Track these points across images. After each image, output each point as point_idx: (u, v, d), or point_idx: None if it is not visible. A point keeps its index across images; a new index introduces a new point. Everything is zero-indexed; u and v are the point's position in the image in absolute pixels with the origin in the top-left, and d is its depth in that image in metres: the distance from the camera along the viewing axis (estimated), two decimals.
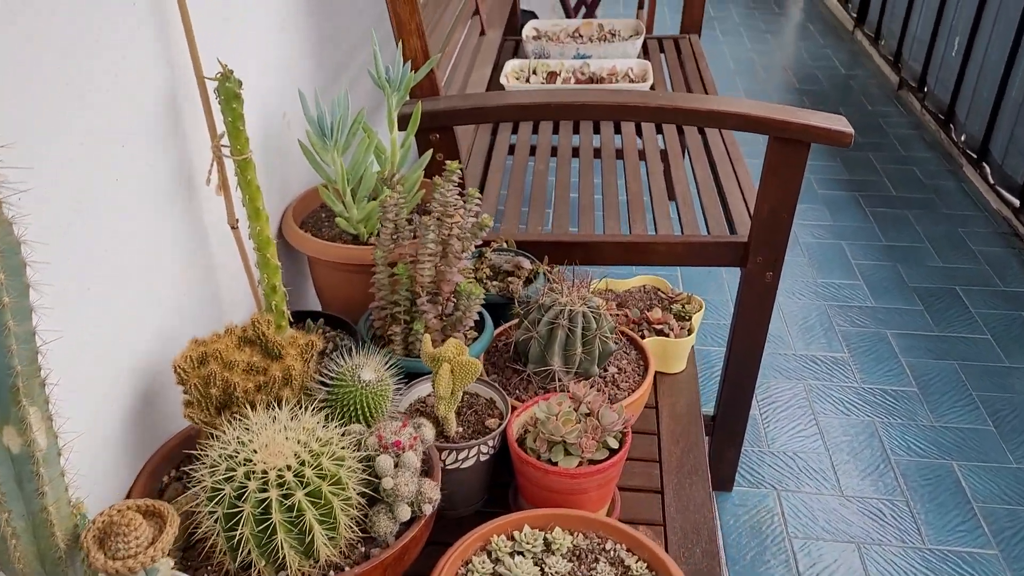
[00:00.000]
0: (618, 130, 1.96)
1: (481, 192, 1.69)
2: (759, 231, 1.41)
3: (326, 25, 1.44)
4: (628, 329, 1.28)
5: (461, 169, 1.13)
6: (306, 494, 0.76)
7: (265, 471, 0.76)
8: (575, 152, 1.93)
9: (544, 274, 1.32)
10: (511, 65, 2.05)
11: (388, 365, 0.95)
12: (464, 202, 1.11)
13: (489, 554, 0.89)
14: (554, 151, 1.92)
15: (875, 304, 2.31)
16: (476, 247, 1.14)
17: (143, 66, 0.86)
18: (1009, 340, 2.15)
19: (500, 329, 1.23)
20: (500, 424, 1.03)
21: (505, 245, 1.42)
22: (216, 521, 0.76)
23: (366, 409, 0.91)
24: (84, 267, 0.78)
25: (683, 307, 1.36)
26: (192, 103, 0.95)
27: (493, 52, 2.03)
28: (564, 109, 1.34)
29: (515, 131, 1.94)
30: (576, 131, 1.96)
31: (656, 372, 1.31)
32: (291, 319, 1.06)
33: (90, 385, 0.81)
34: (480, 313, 1.17)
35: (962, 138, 3.07)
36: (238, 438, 0.79)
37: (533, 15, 3.81)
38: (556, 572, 0.87)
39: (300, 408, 0.85)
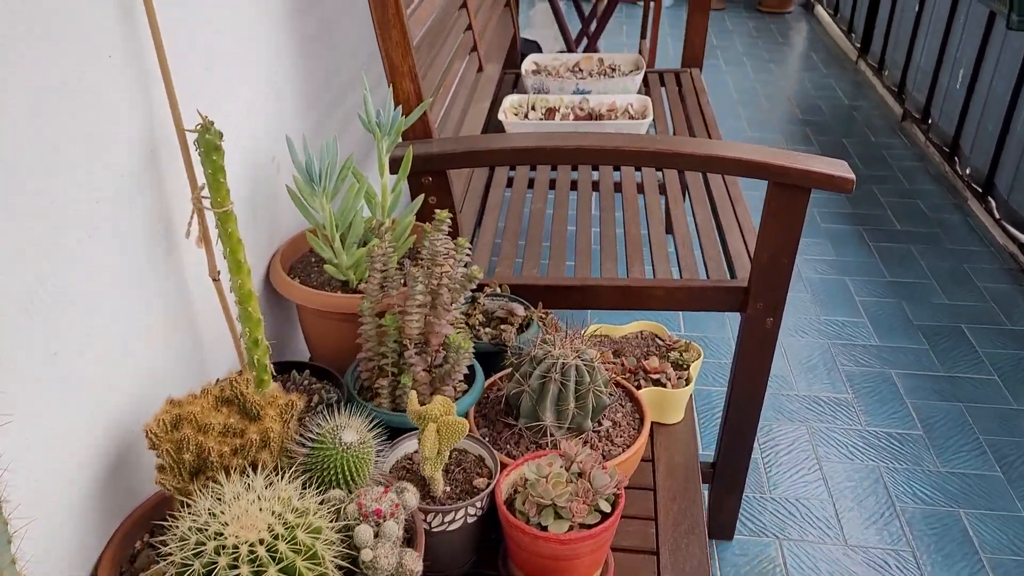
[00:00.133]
0: (617, 167, 1.94)
1: (476, 231, 1.66)
2: (759, 277, 1.38)
3: (318, 67, 1.42)
4: (624, 379, 1.24)
5: (452, 217, 1.10)
6: (279, 570, 0.73)
7: (236, 545, 0.72)
8: (573, 185, 1.91)
9: (538, 321, 1.29)
10: (509, 100, 2.03)
11: (372, 424, 0.92)
12: (455, 251, 1.08)
13: None
14: (552, 184, 1.90)
15: (879, 343, 2.27)
16: (471, 292, 1.11)
17: (119, 118, 0.84)
18: (1016, 381, 2.11)
19: (491, 380, 1.19)
20: (489, 484, 0.99)
21: (499, 290, 1.39)
22: None
23: (347, 473, 0.88)
24: (51, 333, 0.75)
25: (681, 355, 1.32)
26: (172, 154, 0.92)
27: (491, 87, 2.01)
28: (558, 153, 1.31)
29: (513, 166, 1.92)
30: (574, 167, 1.94)
31: (653, 422, 1.27)
32: (274, 373, 1.03)
33: (56, 455, 0.78)
34: (470, 364, 1.13)
35: (967, 171, 3.04)
36: (209, 509, 0.75)
37: (536, 45, 3.81)
38: None
39: (278, 473, 0.81)
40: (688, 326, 2.35)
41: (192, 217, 0.93)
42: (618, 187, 1.89)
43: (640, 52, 3.71)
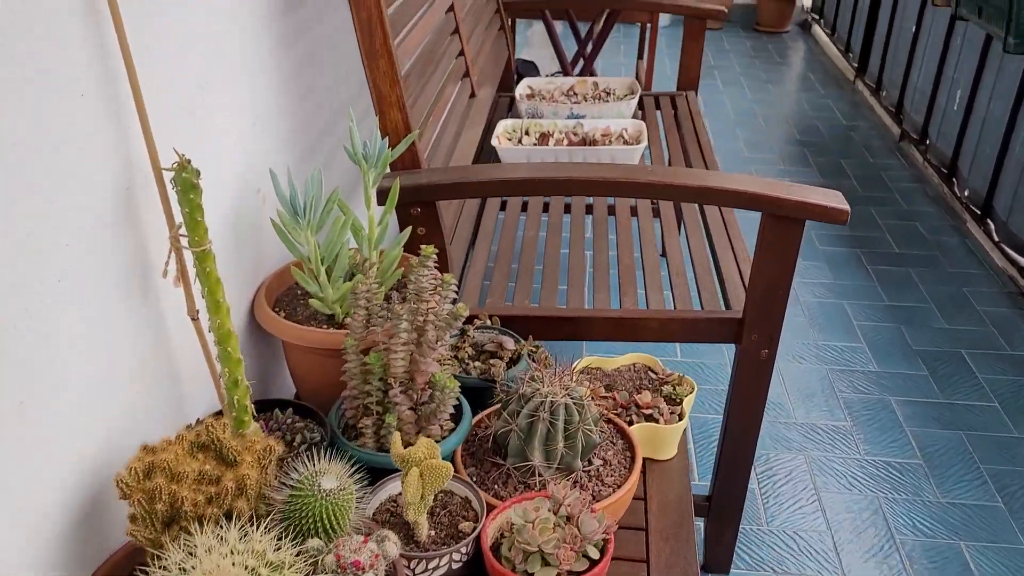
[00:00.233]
0: None
1: (470, 252, 1.64)
2: (753, 309, 1.35)
3: (305, 98, 1.40)
4: (615, 415, 1.22)
5: (440, 250, 1.08)
6: None
7: None
8: (567, 208, 1.89)
9: (527, 356, 1.26)
10: (503, 126, 2.01)
11: (354, 467, 0.89)
12: (441, 287, 1.06)
13: None
14: (546, 207, 1.88)
15: (878, 368, 2.24)
16: (460, 325, 1.09)
17: (93, 157, 0.82)
18: (1016, 409, 2.08)
19: (479, 417, 1.17)
20: (474, 529, 0.96)
21: (489, 322, 1.36)
22: None
23: (326, 521, 0.85)
24: (16, 383, 0.73)
25: (674, 388, 1.30)
26: (150, 193, 0.90)
27: (484, 112, 2.00)
28: (549, 185, 1.29)
29: None
30: None
31: (645, 458, 1.24)
32: (255, 413, 1.01)
33: (20, 505, 0.75)
34: (457, 402, 1.11)
35: (965, 193, 3.02)
36: (180, 563, 0.73)
37: (533, 65, 3.81)
38: None
39: (255, 522, 0.79)
40: (684, 351, 2.33)
41: (169, 256, 0.91)
42: (612, 210, 1.87)
43: (637, 72, 3.71)
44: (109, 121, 0.84)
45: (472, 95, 1.93)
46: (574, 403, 1.07)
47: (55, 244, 0.77)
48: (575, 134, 2.02)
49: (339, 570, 0.79)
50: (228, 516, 0.82)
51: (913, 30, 3.62)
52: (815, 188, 1.30)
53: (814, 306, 2.53)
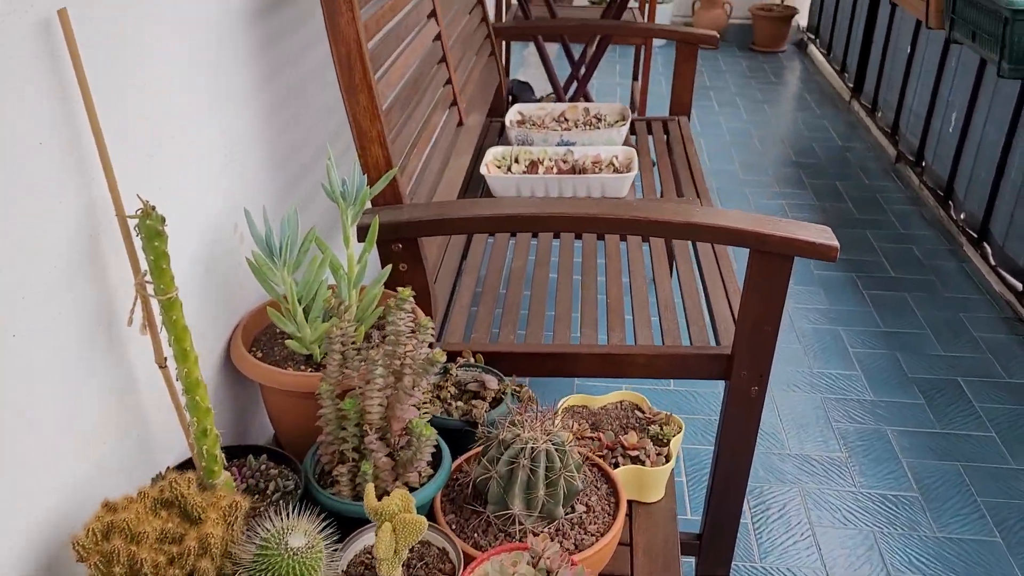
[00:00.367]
0: None
1: (457, 283, 1.61)
2: (742, 345, 1.33)
3: (283, 136, 1.38)
4: (600, 457, 1.19)
5: (418, 291, 1.06)
6: None
7: None
8: (556, 234, 1.87)
9: (508, 398, 1.24)
10: (492, 153, 1.99)
11: (325, 523, 0.86)
12: (418, 331, 1.04)
13: None
14: (535, 232, 1.86)
15: (874, 397, 2.21)
16: (441, 366, 1.06)
17: (53, 206, 0.79)
18: (1014, 439, 2.05)
19: (459, 462, 1.14)
20: None
21: (473, 359, 1.34)
22: None
23: None
24: None
25: (661, 428, 1.27)
26: (114, 240, 0.88)
27: (473, 140, 1.98)
28: (531, 221, 1.27)
29: None
30: None
31: (631, 501, 1.22)
32: (226, 462, 0.98)
33: None
34: (437, 444, 1.08)
35: (961, 216, 3.00)
36: None
37: (528, 86, 3.79)
38: None
39: None
40: (677, 380, 2.29)
41: (135, 304, 0.88)
42: (601, 236, 1.85)
43: (632, 93, 3.70)
44: (70, 168, 0.82)
45: (460, 123, 1.92)
46: (556, 449, 1.04)
47: (11, 296, 0.74)
48: (565, 162, 2.00)
49: None
50: None
51: (908, 51, 3.61)
52: (803, 224, 1.28)
53: (809, 332, 2.50)
